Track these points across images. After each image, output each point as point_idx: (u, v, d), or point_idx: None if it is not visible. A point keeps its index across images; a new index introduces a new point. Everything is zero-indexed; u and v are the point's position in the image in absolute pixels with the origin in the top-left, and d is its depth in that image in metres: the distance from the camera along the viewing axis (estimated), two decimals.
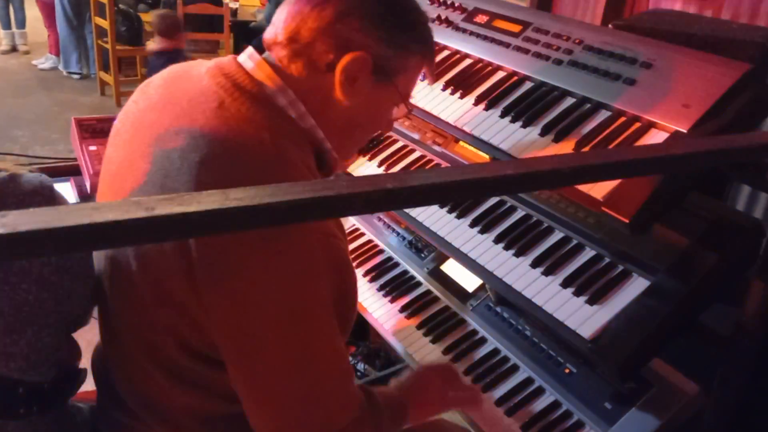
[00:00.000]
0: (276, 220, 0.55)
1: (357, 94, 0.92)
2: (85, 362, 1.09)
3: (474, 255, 1.28)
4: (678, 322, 1.05)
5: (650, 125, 1.03)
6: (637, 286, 1.09)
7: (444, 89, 1.34)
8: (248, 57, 0.93)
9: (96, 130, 1.58)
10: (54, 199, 0.94)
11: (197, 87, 0.89)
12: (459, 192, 0.63)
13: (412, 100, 1.40)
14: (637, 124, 1.04)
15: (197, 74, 0.92)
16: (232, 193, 0.53)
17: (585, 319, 1.08)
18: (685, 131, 0.97)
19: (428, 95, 1.36)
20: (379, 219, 1.82)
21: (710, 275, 1.02)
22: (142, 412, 0.96)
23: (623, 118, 1.07)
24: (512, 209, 1.34)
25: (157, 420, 0.96)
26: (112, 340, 1.00)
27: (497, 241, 1.28)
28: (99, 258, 0.99)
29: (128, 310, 0.93)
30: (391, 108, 1.02)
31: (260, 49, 0.97)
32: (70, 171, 1.66)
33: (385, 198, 0.57)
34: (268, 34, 0.93)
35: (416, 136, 1.61)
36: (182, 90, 0.90)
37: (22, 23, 6.87)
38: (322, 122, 0.92)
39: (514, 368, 1.35)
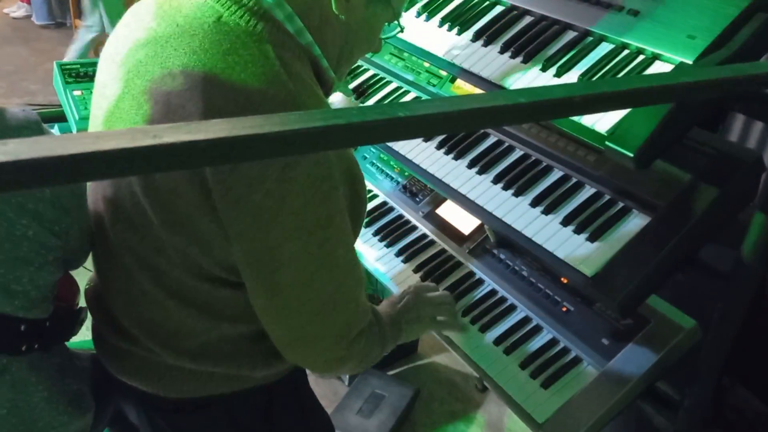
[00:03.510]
0: (286, 150, 0.54)
1: (352, 9, 0.90)
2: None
3: (473, 196, 1.27)
4: (678, 258, 1.05)
5: (655, 57, 1.01)
6: (637, 222, 1.09)
7: (441, 26, 1.30)
8: None
9: (80, 74, 1.52)
10: (42, 133, 0.92)
11: (192, 3, 0.86)
12: (471, 121, 0.61)
13: (407, 38, 1.37)
14: (642, 57, 1.02)
15: None
16: (241, 121, 0.51)
17: (586, 256, 1.08)
18: (690, 63, 0.95)
19: (424, 32, 1.32)
20: (372, 164, 1.80)
21: (711, 210, 1.02)
22: (144, 336, 0.96)
23: (627, 51, 1.05)
24: (510, 149, 1.33)
25: (159, 344, 0.95)
26: (111, 268, 0.98)
27: (496, 181, 1.27)
28: (97, 184, 0.96)
29: (131, 235, 0.91)
30: (383, 26, 1.00)
31: None
32: (55, 117, 1.62)
33: (397, 127, 0.55)
34: None
35: (410, 77, 1.57)
36: (176, 7, 0.86)
37: None
38: (318, 40, 0.89)
39: (512, 308, 1.36)
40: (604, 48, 1.08)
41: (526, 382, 1.22)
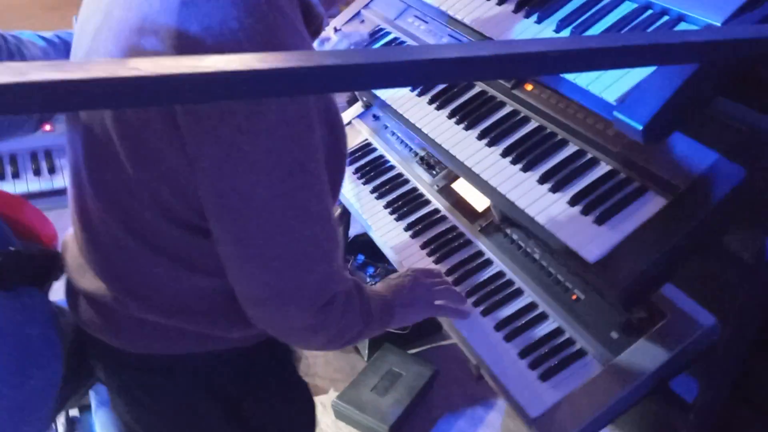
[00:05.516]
0: (289, 89, 0.48)
1: None
2: None
3: (478, 169, 1.18)
4: (696, 246, 0.94)
5: (680, 18, 0.89)
6: (653, 204, 0.98)
7: None
8: None
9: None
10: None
11: None
12: (484, 69, 0.53)
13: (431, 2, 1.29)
14: (666, 17, 0.91)
15: None
16: (238, 57, 0.44)
17: (590, 240, 0.98)
18: (719, 25, 0.83)
19: None
20: (393, 133, 1.72)
21: (737, 193, 0.90)
22: (113, 287, 0.93)
23: (650, 11, 0.93)
24: (525, 120, 1.22)
25: (129, 295, 0.92)
26: (84, 213, 0.95)
27: (505, 154, 1.17)
28: (74, 124, 0.93)
29: (104, 173, 0.88)
30: None
31: None
32: None
33: (411, 70, 0.49)
34: None
35: (432, 42, 1.48)
36: None
37: None
38: None
39: (518, 292, 1.27)
40: (627, 7, 0.96)
41: (523, 372, 1.14)
